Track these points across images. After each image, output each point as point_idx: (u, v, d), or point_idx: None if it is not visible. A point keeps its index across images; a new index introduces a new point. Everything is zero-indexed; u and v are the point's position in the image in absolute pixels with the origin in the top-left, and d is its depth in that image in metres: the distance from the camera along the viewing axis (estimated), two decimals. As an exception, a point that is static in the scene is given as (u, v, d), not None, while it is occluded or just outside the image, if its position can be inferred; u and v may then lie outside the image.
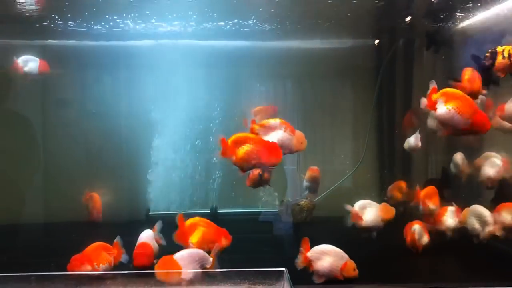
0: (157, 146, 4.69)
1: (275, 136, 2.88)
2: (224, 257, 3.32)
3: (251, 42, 4.75)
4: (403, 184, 4.14)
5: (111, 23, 4.26)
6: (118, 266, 2.93)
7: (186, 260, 2.58)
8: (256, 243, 3.85)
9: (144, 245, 3.01)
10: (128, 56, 4.64)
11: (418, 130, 3.87)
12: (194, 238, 2.84)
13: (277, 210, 4.42)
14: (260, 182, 3.96)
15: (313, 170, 4.22)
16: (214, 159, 4.56)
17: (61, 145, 4.66)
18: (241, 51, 4.73)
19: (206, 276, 2.49)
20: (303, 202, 4.29)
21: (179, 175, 4.69)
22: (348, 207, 3.42)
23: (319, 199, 4.50)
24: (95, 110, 4.65)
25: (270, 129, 2.92)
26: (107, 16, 4.16)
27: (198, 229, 2.89)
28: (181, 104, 4.66)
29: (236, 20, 4.18)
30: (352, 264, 2.82)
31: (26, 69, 4.18)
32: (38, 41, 4.75)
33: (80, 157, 4.64)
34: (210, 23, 4.20)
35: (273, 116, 3.20)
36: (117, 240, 2.97)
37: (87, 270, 2.70)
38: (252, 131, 2.92)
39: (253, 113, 3.79)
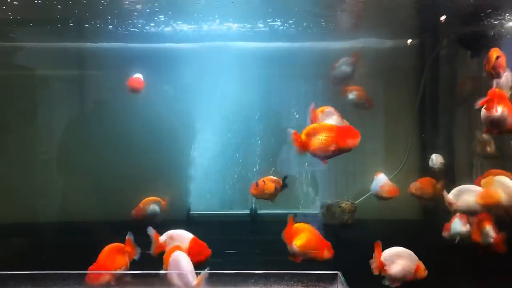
0: (199, 146, 4.72)
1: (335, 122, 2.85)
2: (269, 259, 3.36)
3: (290, 43, 4.74)
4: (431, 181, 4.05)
5: (155, 26, 4.32)
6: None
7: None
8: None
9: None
10: (172, 58, 4.68)
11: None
12: (298, 241, 2.83)
13: (317, 212, 4.40)
14: (274, 194, 3.95)
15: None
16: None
17: (104, 146, 4.73)
18: (282, 52, 4.72)
19: (260, 277, 2.48)
20: (344, 204, 4.25)
21: (219, 176, 4.71)
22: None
23: (360, 201, 4.44)
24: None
25: (329, 114, 2.88)
26: (155, 18, 4.23)
27: (304, 234, 2.85)
28: (223, 105, 4.68)
29: (279, 21, 4.18)
30: (422, 265, 2.76)
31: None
32: (82, 44, 4.87)
33: (122, 157, 4.69)
34: (253, 24, 4.22)
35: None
36: (129, 237, 2.82)
37: (106, 280, 2.57)
38: (314, 117, 2.84)
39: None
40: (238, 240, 4.06)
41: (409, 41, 4.83)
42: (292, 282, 2.48)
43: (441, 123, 4.64)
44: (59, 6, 4.00)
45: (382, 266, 2.73)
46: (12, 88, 4.85)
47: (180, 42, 4.68)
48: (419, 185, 4.05)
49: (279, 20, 4.13)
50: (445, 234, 3.38)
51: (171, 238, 2.86)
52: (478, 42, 4.18)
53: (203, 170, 4.70)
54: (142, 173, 4.50)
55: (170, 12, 4.20)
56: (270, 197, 4.00)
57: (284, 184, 3.96)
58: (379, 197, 3.84)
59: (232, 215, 4.56)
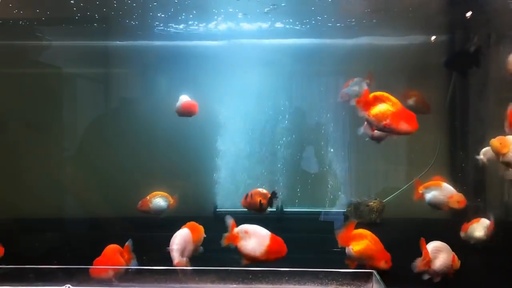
0: (225, 143, 4.72)
1: None
2: (295, 257, 3.33)
3: (319, 40, 4.71)
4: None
5: (181, 24, 4.34)
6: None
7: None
8: (322, 243, 3.81)
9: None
10: (196, 56, 4.70)
11: None
12: (356, 246, 2.85)
13: (343, 210, 4.36)
14: (260, 209, 3.95)
15: None
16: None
17: (130, 143, 4.79)
18: (310, 49, 4.70)
19: (294, 275, 2.46)
20: (372, 203, 4.20)
21: (245, 173, 4.71)
22: None
23: (389, 200, 4.38)
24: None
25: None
26: (179, 17, 4.25)
27: (364, 241, 2.86)
28: (249, 103, 4.68)
29: (308, 19, 4.16)
30: (455, 256, 2.78)
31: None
32: (109, 42, 4.93)
33: (150, 154, 4.73)
34: (282, 21, 4.20)
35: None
36: (128, 243, 2.83)
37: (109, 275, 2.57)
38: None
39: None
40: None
41: (433, 37, 4.74)
42: (326, 281, 2.45)
43: (472, 122, 4.55)
44: (85, 5, 4.07)
45: (428, 262, 2.73)
46: (38, 86, 4.94)
47: (206, 39, 4.71)
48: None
49: (308, 17, 4.12)
50: (462, 234, 3.43)
51: (245, 232, 2.83)
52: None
53: (229, 167, 4.71)
54: (168, 170, 4.54)
55: (195, 12, 4.24)
56: (257, 211, 4.02)
57: (271, 200, 3.96)
58: (439, 207, 3.66)
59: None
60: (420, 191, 3.57)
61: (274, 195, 4.01)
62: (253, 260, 2.75)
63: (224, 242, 2.80)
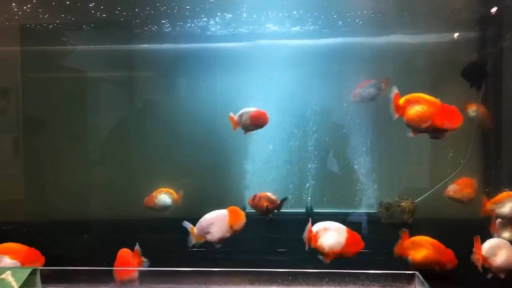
0: (254, 145, 4.73)
1: None
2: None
3: (345, 38, 4.68)
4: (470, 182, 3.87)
5: (209, 26, 4.35)
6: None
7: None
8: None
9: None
10: (225, 58, 4.72)
11: None
12: (417, 255, 2.81)
13: (374, 211, 4.32)
14: (265, 212, 4.07)
15: None
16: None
17: (159, 146, 4.83)
18: (338, 48, 4.66)
19: (335, 276, 2.44)
20: (404, 203, 4.14)
21: (275, 174, 4.70)
22: None
23: (421, 200, 4.32)
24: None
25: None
26: (205, 19, 4.27)
27: (423, 249, 2.81)
28: (278, 104, 4.65)
29: (336, 16, 4.14)
30: None
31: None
32: (136, 46, 4.98)
33: (177, 157, 4.76)
34: (308, 22, 4.19)
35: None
36: (137, 248, 2.79)
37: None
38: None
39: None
40: (294, 238, 4.03)
41: (456, 34, 4.67)
42: (367, 282, 2.43)
43: (506, 122, 4.45)
44: (109, 9, 4.12)
45: (484, 260, 2.69)
46: (64, 90, 5.02)
47: (233, 41, 4.72)
48: (458, 187, 3.89)
49: (336, 16, 4.10)
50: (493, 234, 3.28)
51: (324, 229, 2.81)
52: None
53: (259, 168, 4.72)
54: (199, 172, 4.55)
55: (219, 13, 4.25)
56: (262, 214, 4.12)
57: (279, 205, 4.08)
58: None
59: (288, 213, 4.54)
60: (489, 207, 3.33)
61: (283, 200, 4.04)
62: (333, 256, 2.71)
63: (306, 243, 2.78)
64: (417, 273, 2.39)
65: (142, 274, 2.59)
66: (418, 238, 2.86)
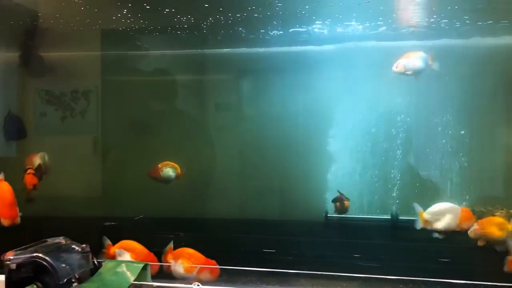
0: (335, 148, 4.66)
1: None
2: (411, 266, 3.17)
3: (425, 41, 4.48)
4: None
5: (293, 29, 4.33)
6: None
7: None
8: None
9: None
10: (305, 60, 4.71)
11: None
12: None
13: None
14: (340, 210, 4.01)
15: None
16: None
17: (243, 149, 4.90)
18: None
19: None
20: (498, 214, 3.89)
21: (357, 179, 4.61)
22: None
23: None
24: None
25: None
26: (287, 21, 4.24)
27: None
28: (360, 107, 4.59)
29: (420, 19, 4.00)
30: None
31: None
32: (213, 50, 5.05)
33: (259, 160, 4.80)
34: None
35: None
36: (170, 246, 2.79)
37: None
38: None
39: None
40: (380, 245, 3.93)
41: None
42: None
43: None
44: (182, 15, 4.17)
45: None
46: (139, 93, 5.16)
47: (318, 44, 4.69)
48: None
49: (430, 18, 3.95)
50: None
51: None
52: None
53: (340, 173, 4.62)
54: (281, 175, 4.53)
55: (300, 15, 4.20)
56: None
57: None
58: None
59: (371, 219, 4.43)
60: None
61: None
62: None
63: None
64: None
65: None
66: None
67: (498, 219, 3.22)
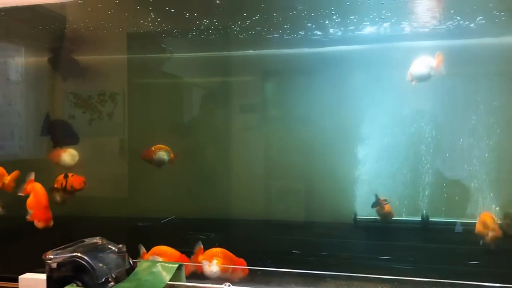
0: (365, 149, 4.61)
1: None
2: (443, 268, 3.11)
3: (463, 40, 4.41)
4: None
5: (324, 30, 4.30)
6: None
7: None
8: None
9: None
10: (336, 61, 4.66)
11: None
12: None
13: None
14: (384, 215, 3.96)
15: None
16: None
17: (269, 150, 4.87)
18: (458, 50, 4.37)
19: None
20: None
21: (387, 181, 4.53)
22: None
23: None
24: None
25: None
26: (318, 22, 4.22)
27: None
28: (392, 108, 4.53)
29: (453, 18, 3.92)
30: None
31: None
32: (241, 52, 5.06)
33: (287, 162, 4.77)
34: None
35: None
36: (200, 246, 2.77)
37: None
38: None
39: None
40: (410, 247, 3.88)
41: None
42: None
43: None
44: (208, 17, 4.19)
45: None
46: (163, 95, 5.20)
47: (350, 44, 4.65)
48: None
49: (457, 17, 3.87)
50: None
51: None
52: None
53: (370, 175, 4.57)
54: (310, 177, 4.51)
55: (329, 16, 4.16)
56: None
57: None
58: None
59: (401, 221, 4.36)
60: None
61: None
62: None
63: None
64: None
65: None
66: None
67: None
